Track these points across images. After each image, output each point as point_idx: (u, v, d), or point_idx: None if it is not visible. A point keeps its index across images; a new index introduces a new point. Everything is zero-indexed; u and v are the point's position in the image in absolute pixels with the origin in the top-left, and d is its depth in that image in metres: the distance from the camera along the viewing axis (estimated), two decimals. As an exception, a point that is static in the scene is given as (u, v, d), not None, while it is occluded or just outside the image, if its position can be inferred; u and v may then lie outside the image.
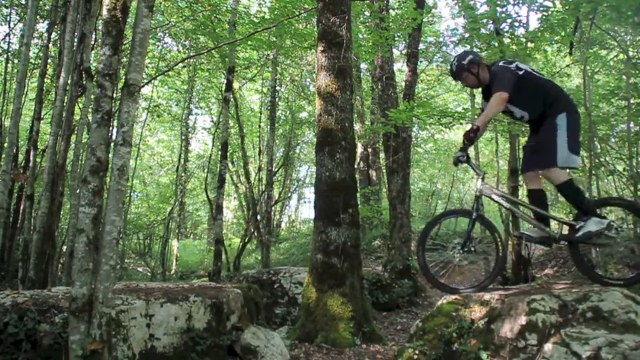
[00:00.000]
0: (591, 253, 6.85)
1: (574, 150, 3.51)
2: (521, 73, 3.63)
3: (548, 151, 3.52)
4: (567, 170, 3.62)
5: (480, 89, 4.00)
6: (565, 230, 3.77)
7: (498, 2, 7.48)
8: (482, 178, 3.80)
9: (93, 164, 2.86)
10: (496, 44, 7.73)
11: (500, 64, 3.73)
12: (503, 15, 7.51)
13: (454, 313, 3.59)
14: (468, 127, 3.90)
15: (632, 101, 7.67)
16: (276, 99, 14.06)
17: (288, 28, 8.86)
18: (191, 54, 10.45)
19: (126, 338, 3.22)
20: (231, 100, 10.64)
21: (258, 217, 12.27)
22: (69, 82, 5.96)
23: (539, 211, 3.71)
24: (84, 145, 6.65)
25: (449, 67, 4.00)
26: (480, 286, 3.85)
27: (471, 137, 3.61)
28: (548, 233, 3.68)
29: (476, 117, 8.50)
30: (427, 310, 4.83)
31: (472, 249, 3.86)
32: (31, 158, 7.35)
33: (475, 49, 10.40)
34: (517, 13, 8.83)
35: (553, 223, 4.15)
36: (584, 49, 7.76)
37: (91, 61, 6.88)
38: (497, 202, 3.88)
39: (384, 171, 11.98)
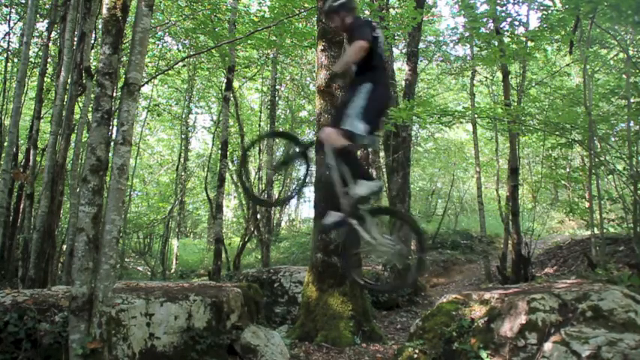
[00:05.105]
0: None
1: (362, 118, 3.35)
2: (374, 34, 3.57)
3: (341, 112, 3.45)
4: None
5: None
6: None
7: (498, 1, 7.47)
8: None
9: (93, 163, 2.86)
10: (496, 43, 7.72)
11: (364, 18, 3.80)
12: (503, 14, 7.50)
13: (454, 312, 3.60)
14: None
15: (632, 100, 7.66)
16: (276, 98, 14.05)
17: (288, 27, 8.86)
18: (191, 53, 10.44)
19: (126, 337, 3.22)
20: (231, 99, 10.63)
21: (258, 216, 12.26)
22: (69, 81, 5.95)
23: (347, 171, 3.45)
24: (84, 144, 6.64)
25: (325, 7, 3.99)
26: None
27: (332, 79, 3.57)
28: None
29: (476, 116, 8.51)
30: (427, 309, 4.83)
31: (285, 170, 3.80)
32: (31, 157, 7.35)
33: (475, 49, 10.42)
34: (517, 12, 8.82)
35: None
36: (584, 48, 7.75)
37: (91, 60, 6.87)
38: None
39: (384, 170, 11.98)
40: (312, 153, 3.83)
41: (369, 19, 3.93)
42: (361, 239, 3.35)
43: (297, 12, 8.39)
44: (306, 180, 4.00)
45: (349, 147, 3.34)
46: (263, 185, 13.04)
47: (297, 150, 3.74)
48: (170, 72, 11.25)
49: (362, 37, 3.45)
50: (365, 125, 3.34)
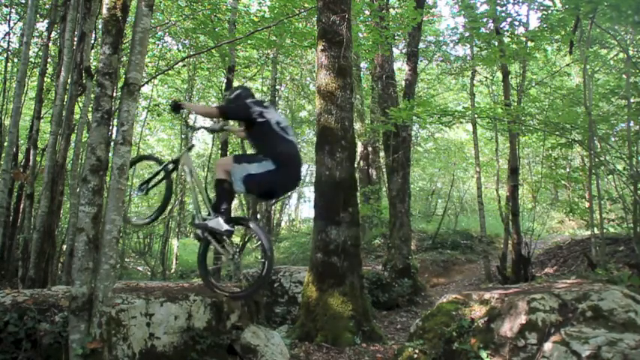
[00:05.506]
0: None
1: (244, 180, 3.66)
2: (260, 120, 3.81)
3: (242, 159, 3.83)
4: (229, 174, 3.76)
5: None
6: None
7: (498, 1, 7.48)
8: (190, 149, 4.27)
9: (93, 163, 2.86)
10: (496, 43, 7.72)
11: (253, 101, 3.98)
12: (503, 14, 7.51)
13: (454, 312, 3.60)
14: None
15: (632, 100, 7.66)
16: (276, 98, 14.05)
17: (288, 27, 8.85)
18: (191, 53, 10.43)
19: (126, 337, 3.22)
20: (231, 99, 10.61)
21: (258, 216, 12.26)
22: (69, 81, 5.95)
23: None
24: (84, 144, 6.63)
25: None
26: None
27: (176, 107, 3.91)
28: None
29: (476, 116, 8.50)
30: (427, 309, 4.83)
31: (148, 189, 4.24)
32: (31, 157, 7.34)
33: (475, 49, 10.41)
34: (517, 12, 8.83)
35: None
36: (584, 48, 7.75)
37: (91, 60, 6.87)
38: (184, 173, 4.13)
39: (384, 170, 11.98)
40: (171, 175, 4.21)
41: (264, 102, 4.11)
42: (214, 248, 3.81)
43: (297, 12, 8.39)
44: (167, 202, 4.23)
45: (226, 184, 3.72)
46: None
47: (160, 172, 4.09)
48: (170, 72, 11.24)
49: (220, 107, 3.98)
50: (242, 186, 3.69)
